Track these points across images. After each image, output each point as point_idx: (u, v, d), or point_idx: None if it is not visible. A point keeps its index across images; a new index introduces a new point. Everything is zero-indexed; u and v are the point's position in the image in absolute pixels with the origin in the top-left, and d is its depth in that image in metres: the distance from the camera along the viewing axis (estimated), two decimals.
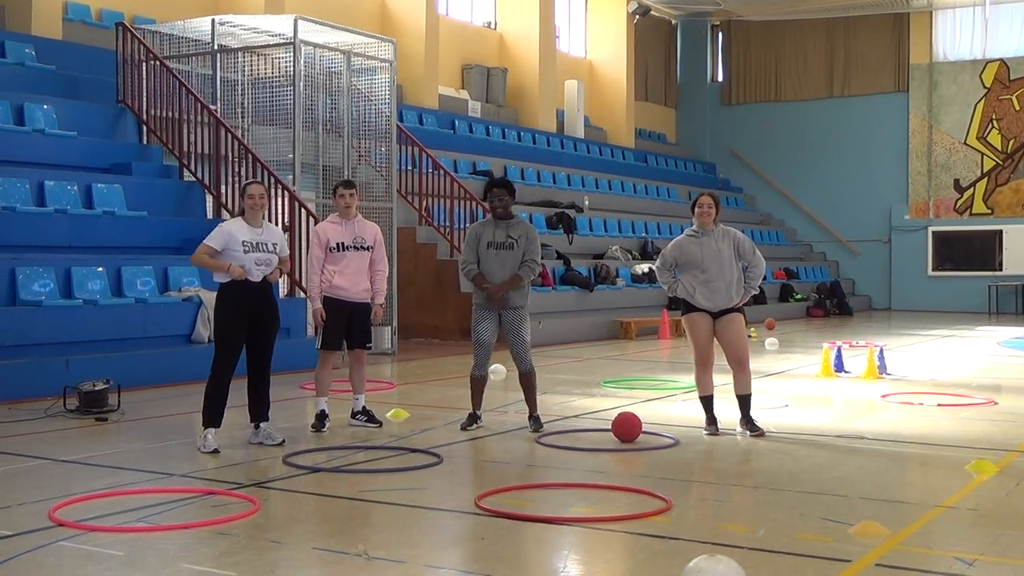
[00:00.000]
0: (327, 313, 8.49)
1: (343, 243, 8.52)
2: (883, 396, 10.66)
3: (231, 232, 7.65)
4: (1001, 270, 28.20)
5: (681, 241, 8.45)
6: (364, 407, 8.69)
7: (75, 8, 17.14)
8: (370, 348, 8.95)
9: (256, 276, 7.66)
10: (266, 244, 7.75)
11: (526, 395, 8.61)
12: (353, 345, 8.70)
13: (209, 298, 11.02)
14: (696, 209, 8.35)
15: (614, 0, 29.45)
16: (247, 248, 7.63)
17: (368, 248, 8.63)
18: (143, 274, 12.15)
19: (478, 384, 8.61)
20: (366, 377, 8.97)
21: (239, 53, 15.53)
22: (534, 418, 8.53)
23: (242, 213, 7.83)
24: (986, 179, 28.88)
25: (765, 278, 26.61)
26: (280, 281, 13.22)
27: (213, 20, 15.39)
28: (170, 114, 14.85)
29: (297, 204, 13.71)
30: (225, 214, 14.23)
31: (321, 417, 8.46)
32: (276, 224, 13.61)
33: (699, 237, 8.33)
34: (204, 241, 7.67)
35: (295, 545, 5.18)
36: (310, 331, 13.65)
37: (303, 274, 13.22)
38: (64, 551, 5.01)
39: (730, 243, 8.30)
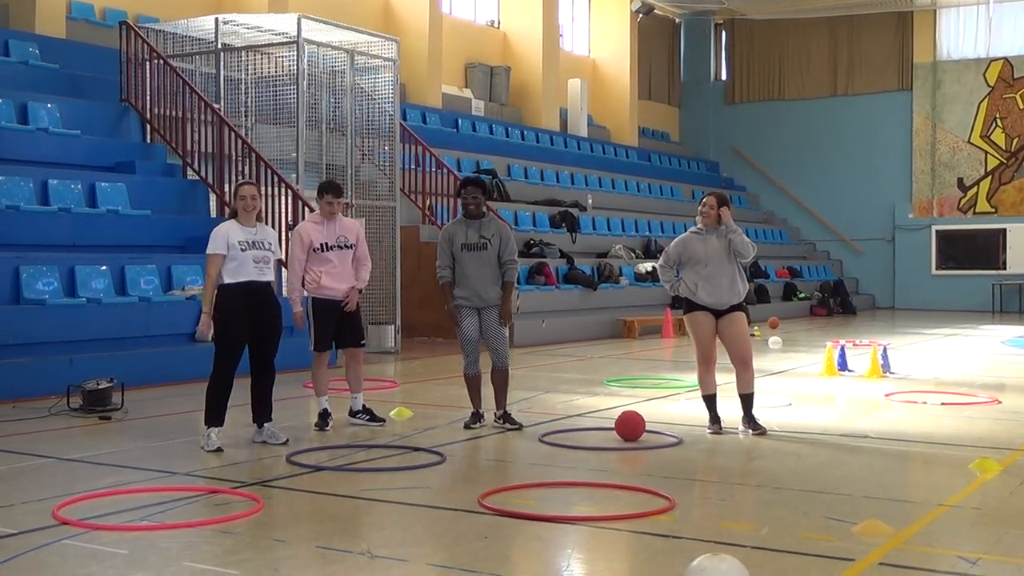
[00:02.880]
0: (317, 314, 8.44)
1: (327, 243, 8.46)
2: (887, 395, 10.64)
3: (227, 233, 7.64)
4: (1005, 269, 28.18)
5: (685, 238, 8.46)
6: (364, 405, 8.64)
7: (79, 7, 17.17)
8: (364, 345, 8.92)
9: (255, 275, 7.65)
10: (262, 243, 7.74)
11: (497, 393, 8.56)
12: (346, 344, 8.66)
13: None
14: (700, 208, 8.39)
15: None
16: (244, 247, 7.62)
17: (351, 246, 8.57)
18: (147, 273, 12.16)
19: (473, 382, 8.59)
20: (363, 375, 8.90)
21: (243, 52, 15.54)
22: (504, 415, 8.52)
23: (234, 214, 7.81)
24: (990, 178, 28.84)
25: (768, 276, 26.58)
26: (282, 282, 13.25)
27: (217, 19, 15.41)
28: (174, 113, 14.86)
29: (301, 203, 13.71)
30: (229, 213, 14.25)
31: (324, 416, 8.45)
32: (279, 223, 13.63)
33: (703, 235, 8.34)
34: (210, 251, 7.60)
35: (298, 544, 5.18)
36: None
37: None
38: (67, 549, 5.01)
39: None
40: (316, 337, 8.50)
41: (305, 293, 8.50)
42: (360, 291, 8.71)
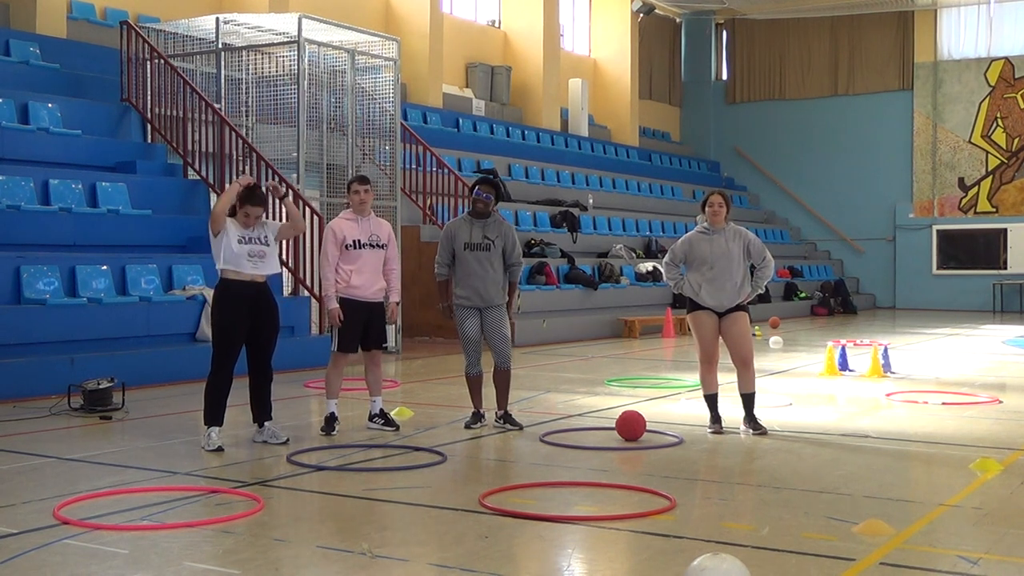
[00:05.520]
0: (344, 314, 8.26)
1: (359, 240, 8.30)
2: (887, 395, 10.65)
3: (228, 224, 7.67)
4: (1006, 268, 28.17)
5: (691, 237, 8.44)
6: (381, 410, 8.53)
7: (80, 7, 17.17)
8: (386, 348, 8.85)
9: (248, 268, 7.65)
10: (259, 238, 7.75)
11: (499, 393, 8.54)
12: (369, 345, 8.47)
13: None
14: (707, 208, 8.35)
15: None
16: (241, 240, 7.65)
17: (383, 246, 8.43)
18: (147, 272, 12.16)
19: (475, 382, 8.58)
20: (382, 377, 8.83)
21: (243, 52, 15.54)
22: (505, 416, 8.51)
23: (233, 214, 7.81)
24: (991, 177, 28.83)
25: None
26: (282, 281, 13.27)
27: (217, 19, 15.41)
28: (174, 112, 14.86)
29: (301, 203, 13.70)
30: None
31: (330, 420, 8.28)
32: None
33: (709, 235, 8.33)
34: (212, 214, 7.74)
35: (299, 543, 5.18)
36: (314, 329, 13.67)
37: (313, 273, 13.22)
38: (68, 549, 5.01)
39: (740, 243, 8.30)
40: (340, 338, 8.31)
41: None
42: (397, 303, 8.63)
